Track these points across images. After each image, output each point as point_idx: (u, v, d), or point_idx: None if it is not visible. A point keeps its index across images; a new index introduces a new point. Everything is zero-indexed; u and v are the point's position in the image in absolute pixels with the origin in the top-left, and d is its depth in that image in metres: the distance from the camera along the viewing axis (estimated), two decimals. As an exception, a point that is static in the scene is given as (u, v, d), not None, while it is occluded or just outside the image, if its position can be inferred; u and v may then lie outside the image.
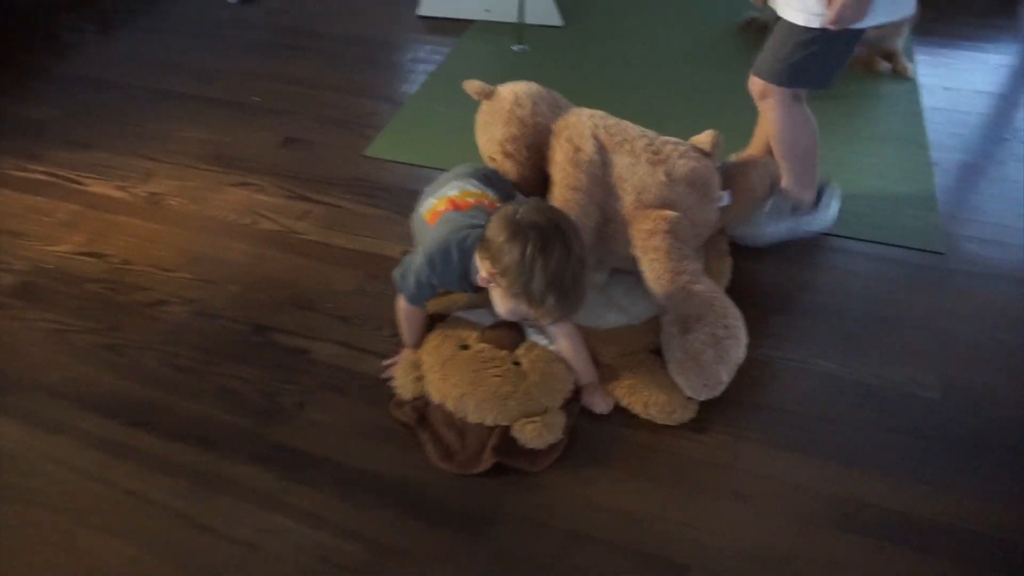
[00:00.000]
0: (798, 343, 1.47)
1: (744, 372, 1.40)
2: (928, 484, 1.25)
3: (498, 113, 1.50)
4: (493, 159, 1.56)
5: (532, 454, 1.28)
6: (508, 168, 1.54)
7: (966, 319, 1.52)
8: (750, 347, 1.41)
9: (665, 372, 1.33)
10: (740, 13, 2.56)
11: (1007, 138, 2.06)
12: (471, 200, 1.40)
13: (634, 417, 1.33)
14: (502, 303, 1.25)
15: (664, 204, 1.39)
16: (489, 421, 1.30)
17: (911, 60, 2.33)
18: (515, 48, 2.47)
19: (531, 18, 2.55)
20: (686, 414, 1.31)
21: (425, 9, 2.71)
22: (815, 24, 1.32)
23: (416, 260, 1.31)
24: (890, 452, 1.29)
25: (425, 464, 1.29)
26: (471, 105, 1.63)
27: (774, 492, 1.24)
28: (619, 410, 1.34)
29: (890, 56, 2.30)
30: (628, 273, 1.51)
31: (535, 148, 1.50)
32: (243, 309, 1.60)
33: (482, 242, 1.22)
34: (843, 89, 2.24)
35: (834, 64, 1.41)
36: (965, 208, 1.79)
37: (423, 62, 2.47)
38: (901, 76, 2.26)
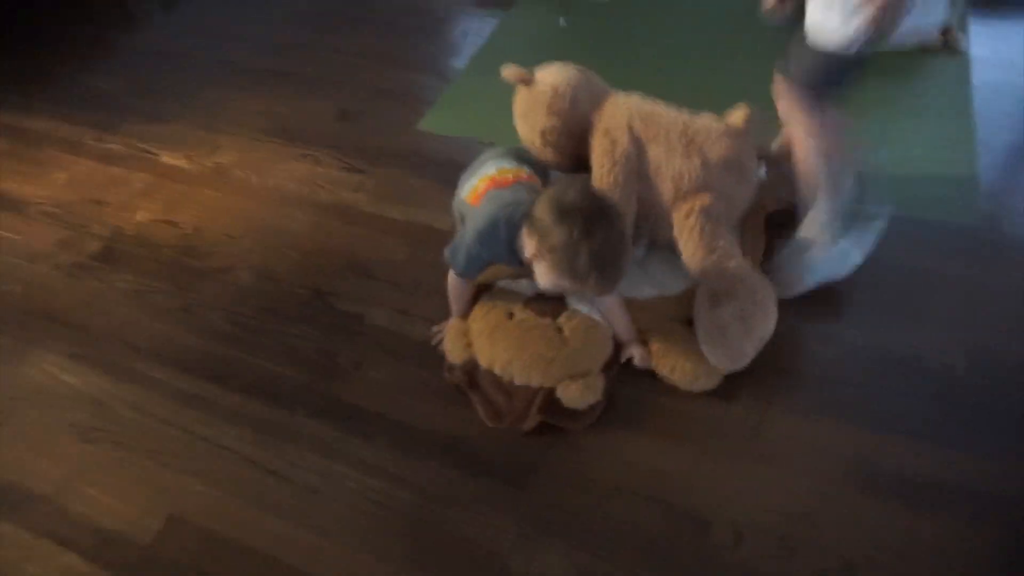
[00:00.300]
0: (828, 312, 1.52)
1: (773, 340, 1.45)
2: (949, 448, 1.29)
3: (538, 103, 1.55)
4: (534, 144, 1.62)
5: (574, 413, 1.37)
6: (548, 155, 1.60)
7: (998, 294, 1.54)
8: (780, 315, 1.47)
9: (694, 341, 1.40)
10: None
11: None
12: (510, 176, 1.47)
13: (666, 385, 1.41)
14: (546, 278, 1.31)
15: (701, 188, 1.44)
16: (534, 383, 1.39)
17: (964, 32, 2.28)
18: (561, 21, 2.51)
19: (576, -10, 2.58)
20: (709, 382, 1.38)
21: (475, -18, 2.76)
22: (846, 50, 1.28)
23: (466, 237, 1.40)
24: (913, 418, 1.34)
25: (470, 421, 1.40)
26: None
27: (797, 454, 1.31)
28: (651, 378, 1.42)
29: (943, 28, 2.26)
30: (665, 248, 1.57)
31: (575, 137, 1.56)
32: (303, 275, 1.72)
33: (529, 220, 1.29)
34: (891, 63, 2.21)
35: (857, 71, 1.37)
36: (1008, 185, 1.78)
37: (472, 35, 2.53)
38: (953, 49, 2.23)
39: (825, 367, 1.44)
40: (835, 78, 1.38)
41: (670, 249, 1.54)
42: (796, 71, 1.41)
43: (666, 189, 1.48)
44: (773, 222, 1.63)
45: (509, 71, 1.60)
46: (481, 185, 1.48)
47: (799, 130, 1.47)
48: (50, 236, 1.90)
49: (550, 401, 1.38)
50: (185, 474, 1.37)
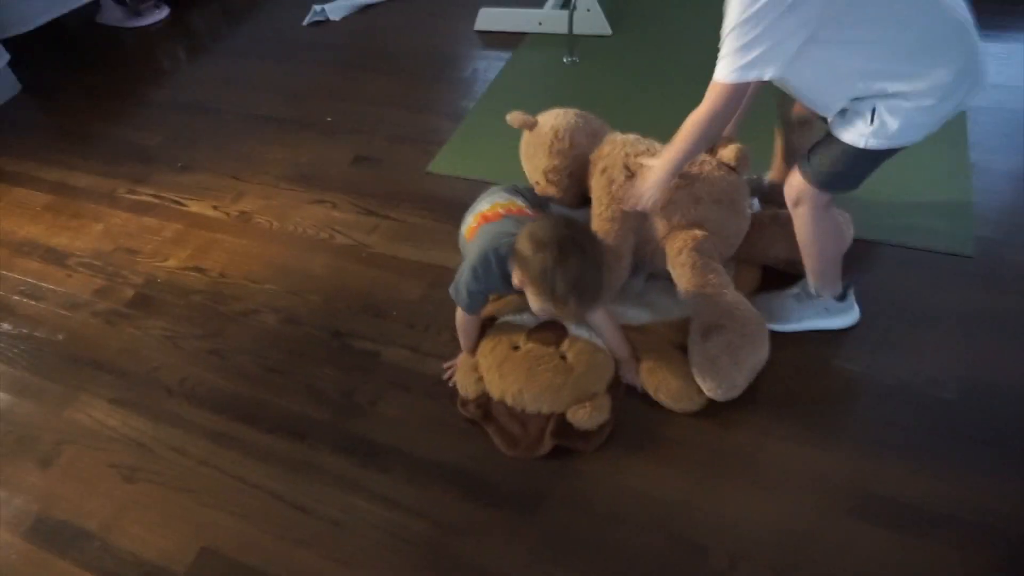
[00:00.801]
0: (823, 343, 1.58)
1: (770, 370, 1.52)
2: (942, 476, 1.35)
3: (541, 145, 1.66)
4: (538, 183, 1.72)
5: (586, 435, 1.46)
6: (552, 192, 1.70)
7: (990, 323, 1.59)
8: (776, 347, 1.54)
9: (684, 362, 1.48)
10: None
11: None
12: (500, 211, 1.58)
13: (667, 412, 1.48)
14: (534, 303, 1.41)
15: (695, 223, 1.52)
16: (546, 410, 1.48)
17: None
18: (566, 60, 2.61)
19: (581, 28, 2.68)
20: (693, 404, 1.45)
21: (481, 24, 2.88)
22: (873, 146, 1.27)
23: (464, 273, 1.50)
24: (906, 447, 1.40)
25: (479, 452, 1.48)
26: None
27: (792, 483, 1.38)
28: (652, 406, 1.50)
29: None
30: (664, 278, 1.65)
31: (576, 175, 1.66)
32: (323, 317, 1.83)
33: (514, 253, 1.39)
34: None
35: (871, 170, 1.37)
36: (1001, 213, 1.82)
37: (482, 74, 2.64)
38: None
39: (821, 397, 1.50)
40: (857, 175, 1.36)
41: (669, 279, 1.63)
42: (819, 170, 1.35)
43: (660, 224, 1.57)
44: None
45: (513, 117, 1.71)
46: (474, 222, 1.59)
47: (806, 223, 1.43)
48: (89, 286, 2.04)
49: (562, 425, 1.46)
50: (218, 510, 1.48)
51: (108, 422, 1.68)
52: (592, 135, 1.71)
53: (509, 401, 1.50)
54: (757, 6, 1.11)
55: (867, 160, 1.31)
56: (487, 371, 1.54)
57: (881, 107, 1.22)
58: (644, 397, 1.51)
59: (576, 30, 2.64)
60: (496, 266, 1.45)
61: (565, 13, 2.60)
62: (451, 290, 1.53)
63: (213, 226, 2.18)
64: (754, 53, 1.15)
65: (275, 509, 1.46)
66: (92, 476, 1.57)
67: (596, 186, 1.62)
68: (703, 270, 1.48)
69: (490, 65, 2.68)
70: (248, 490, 1.50)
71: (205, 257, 2.07)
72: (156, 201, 2.31)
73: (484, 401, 1.54)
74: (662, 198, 1.50)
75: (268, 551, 1.40)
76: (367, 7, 3.19)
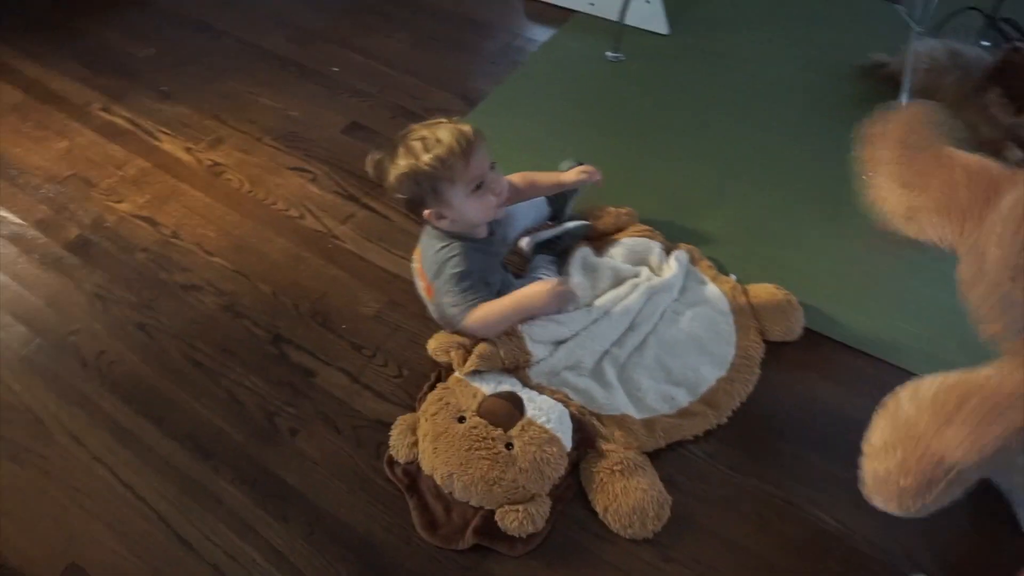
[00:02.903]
0: (804, 483, 1.38)
1: (733, 504, 1.34)
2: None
3: None
4: None
5: (512, 539, 1.28)
6: None
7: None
8: (747, 475, 1.35)
9: (642, 479, 1.29)
10: (864, 53, 2.30)
11: None
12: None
13: (611, 533, 1.30)
14: (464, 206, 1.36)
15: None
16: (475, 503, 1.31)
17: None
18: (609, 55, 2.33)
19: (634, 20, 2.38)
20: (641, 532, 1.27)
21: (529, -12, 2.58)
22: None
23: (446, 285, 1.40)
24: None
25: (392, 525, 1.32)
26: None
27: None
28: (597, 522, 1.32)
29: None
30: (652, 358, 1.46)
31: None
32: (267, 313, 1.65)
33: (416, 212, 1.40)
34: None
35: None
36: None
37: (513, 53, 2.37)
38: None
39: (784, 550, 1.29)
40: None
41: (659, 360, 1.43)
42: None
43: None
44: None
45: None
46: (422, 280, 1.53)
47: None
48: (32, 213, 1.87)
49: (489, 523, 1.29)
50: (98, 521, 1.34)
51: (13, 386, 1.53)
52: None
53: (438, 480, 1.33)
54: None
55: None
56: (422, 439, 1.36)
57: None
58: (589, 505, 1.33)
59: (628, 20, 2.34)
60: (452, 250, 1.40)
61: (619, -2, 2.30)
62: (451, 312, 1.41)
63: (181, 172, 1.97)
64: None
65: (158, 537, 1.31)
66: (-24, 447, 1.43)
67: None
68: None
69: (525, 44, 2.40)
70: (135, 504, 1.36)
71: (162, 208, 1.88)
72: (128, 127, 2.10)
73: (414, 470, 1.37)
74: None
75: (136, 585, 1.26)
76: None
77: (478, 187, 1.36)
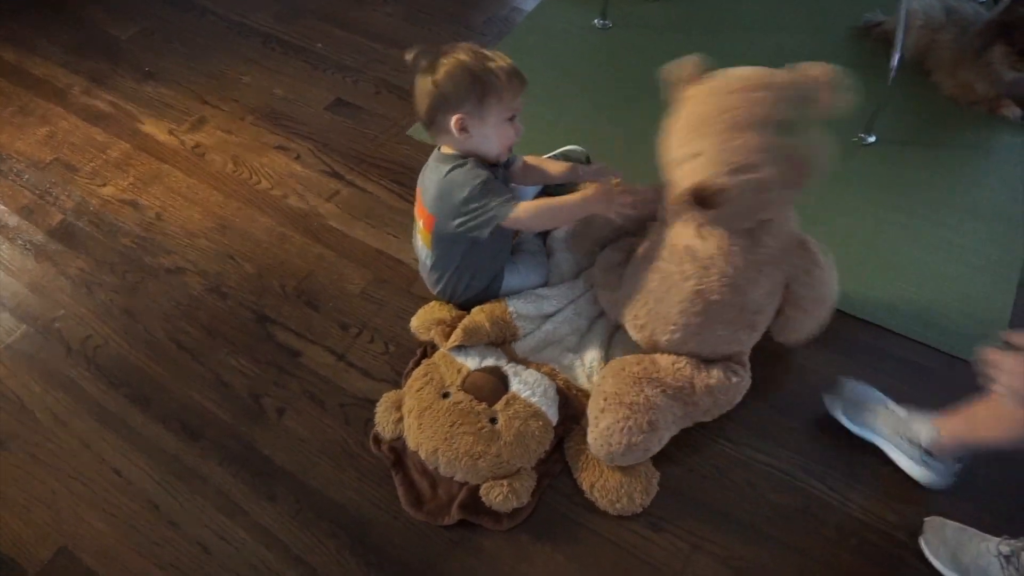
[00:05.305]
0: (795, 452, 1.37)
1: (726, 473, 1.33)
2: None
3: None
4: None
5: (497, 514, 1.28)
6: None
7: (979, 456, 1.35)
8: (740, 446, 1.34)
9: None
10: (860, 15, 2.24)
11: None
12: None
13: (599, 506, 1.29)
14: (492, 130, 1.31)
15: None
16: (459, 478, 1.30)
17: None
18: (597, 23, 2.28)
19: (622, -15, 2.33)
20: (630, 507, 1.26)
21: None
22: None
23: (464, 200, 1.30)
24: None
25: (380, 501, 1.32)
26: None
27: (716, 611, 1.20)
28: (583, 493, 1.30)
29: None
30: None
31: None
32: (253, 293, 1.63)
33: (435, 119, 1.32)
34: (955, 136, 1.95)
35: None
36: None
37: (499, 23, 2.32)
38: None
39: (772, 518, 1.28)
40: None
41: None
42: None
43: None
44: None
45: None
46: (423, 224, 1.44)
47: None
48: (16, 200, 1.84)
49: (474, 498, 1.28)
50: (87, 504, 1.33)
51: (-2, 372, 1.52)
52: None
53: (423, 456, 1.32)
54: None
55: None
56: (407, 415, 1.35)
57: None
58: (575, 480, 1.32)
59: (616, -13, 2.29)
60: (471, 163, 1.33)
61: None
62: (502, 211, 1.29)
63: (164, 154, 1.95)
64: None
65: (145, 519, 1.31)
66: (-35, 433, 1.43)
67: None
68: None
69: (510, 14, 2.35)
70: (123, 487, 1.35)
71: (146, 191, 1.86)
72: (111, 111, 2.07)
73: (400, 446, 1.36)
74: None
75: (127, 569, 1.26)
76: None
77: (511, 119, 1.33)
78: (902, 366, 1.47)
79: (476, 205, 1.29)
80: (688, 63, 1.23)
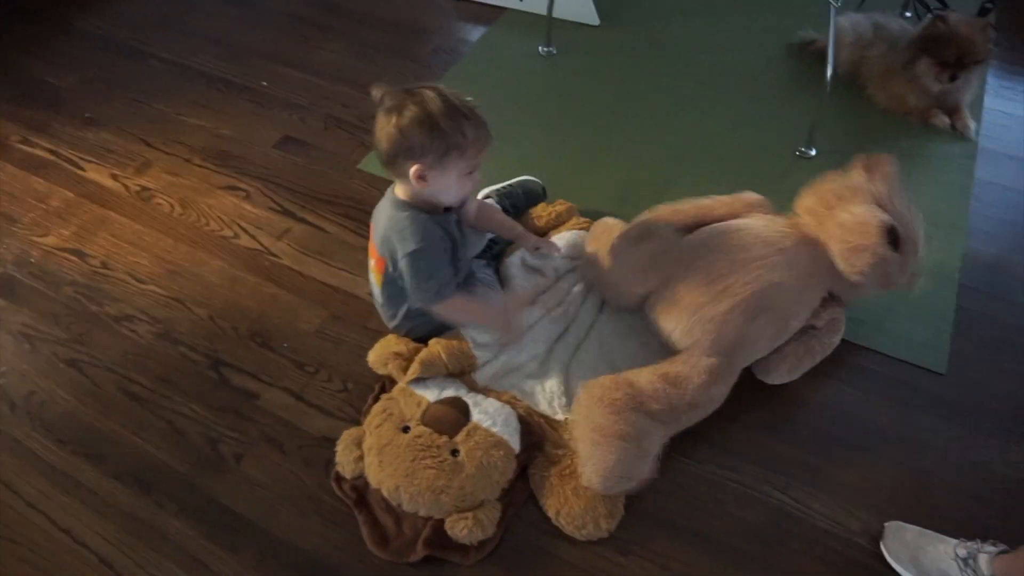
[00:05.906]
0: (756, 465, 1.38)
1: (690, 491, 1.33)
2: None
3: None
4: None
5: (464, 547, 1.26)
6: None
7: (935, 461, 1.39)
8: (703, 463, 1.35)
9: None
10: (795, 32, 2.32)
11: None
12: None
13: (565, 534, 1.28)
14: (451, 181, 1.30)
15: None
16: (423, 513, 1.28)
17: (977, 118, 2.07)
18: (542, 50, 2.31)
19: (564, 13, 2.37)
20: (596, 532, 1.26)
21: (458, -11, 2.55)
22: None
23: (410, 267, 1.32)
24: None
25: (345, 544, 1.29)
26: None
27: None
28: (550, 521, 1.30)
29: (953, 111, 2.05)
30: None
31: None
32: (205, 338, 1.59)
33: (394, 162, 1.29)
34: (892, 145, 2.00)
35: None
36: (982, 319, 1.61)
37: (444, 56, 2.34)
38: (961, 135, 2.03)
39: (738, 533, 1.29)
40: None
41: (603, 353, 1.43)
42: None
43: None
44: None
45: None
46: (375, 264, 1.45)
47: None
48: (-47, 256, 1.78)
49: (439, 532, 1.26)
50: (38, 572, 1.27)
51: (-59, 435, 1.46)
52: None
53: (385, 494, 1.29)
54: None
55: None
56: (368, 453, 1.32)
57: None
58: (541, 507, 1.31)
59: (558, 13, 2.33)
60: (416, 219, 1.33)
61: (548, -7, 2.29)
62: (418, 297, 1.36)
63: (108, 201, 1.91)
64: None
65: (100, 582, 1.26)
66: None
67: None
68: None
69: (456, 45, 2.37)
70: (75, 550, 1.30)
71: (90, 239, 1.81)
72: (51, 158, 2.02)
73: (362, 485, 1.33)
74: None
75: (79, 636, 1.21)
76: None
77: (470, 172, 1.32)
78: (853, 373, 1.50)
79: (415, 274, 1.33)
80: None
